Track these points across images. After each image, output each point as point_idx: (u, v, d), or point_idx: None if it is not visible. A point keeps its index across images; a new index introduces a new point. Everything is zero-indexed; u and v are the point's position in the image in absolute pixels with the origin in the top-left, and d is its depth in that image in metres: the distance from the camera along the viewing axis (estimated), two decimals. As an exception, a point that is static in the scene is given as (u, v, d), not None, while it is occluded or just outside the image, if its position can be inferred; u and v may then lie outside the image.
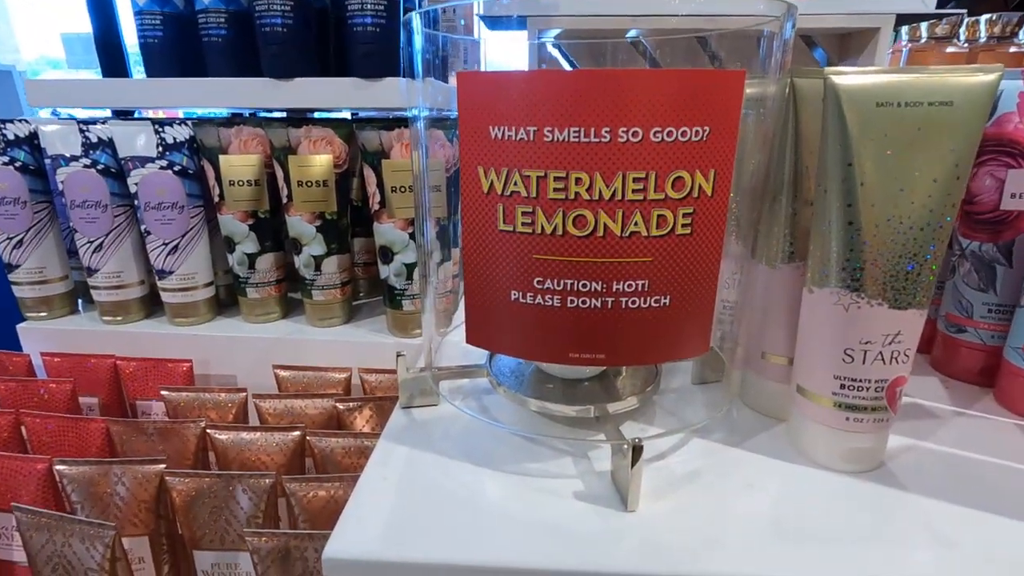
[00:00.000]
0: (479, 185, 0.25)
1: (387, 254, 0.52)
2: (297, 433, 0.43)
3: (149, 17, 0.55)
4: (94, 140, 0.53)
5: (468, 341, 0.29)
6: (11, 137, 0.54)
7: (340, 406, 0.47)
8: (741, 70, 0.23)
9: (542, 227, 0.25)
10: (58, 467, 0.39)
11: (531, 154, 0.24)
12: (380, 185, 0.50)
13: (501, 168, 0.24)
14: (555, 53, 0.70)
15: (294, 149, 0.52)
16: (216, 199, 0.54)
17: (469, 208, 0.26)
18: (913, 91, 0.25)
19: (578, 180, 0.23)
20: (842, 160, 0.26)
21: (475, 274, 0.27)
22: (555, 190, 0.24)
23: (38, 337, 0.57)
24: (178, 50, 0.56)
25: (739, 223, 0.32)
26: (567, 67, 0.69)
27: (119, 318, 0.57)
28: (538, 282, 0.26)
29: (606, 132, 0.23)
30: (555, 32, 0.66)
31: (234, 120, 0.54)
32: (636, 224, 0.24)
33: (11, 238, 0.55)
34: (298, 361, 0.55)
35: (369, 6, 0.47)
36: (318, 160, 0.52)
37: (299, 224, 0.54)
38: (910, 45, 0.74)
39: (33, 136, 0.54)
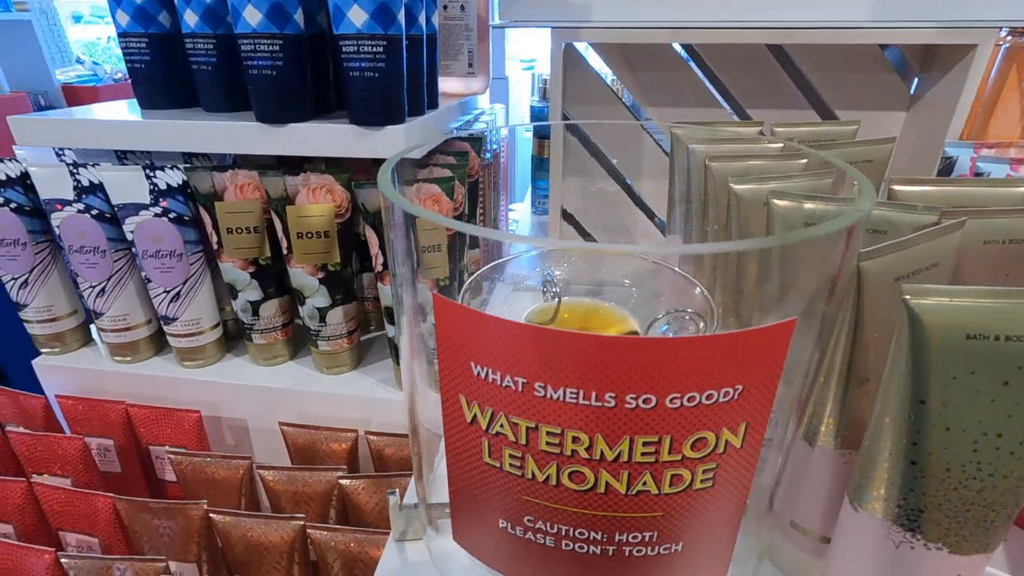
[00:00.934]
0: (461, 413, 0.21)
1: (392, 315, 0.49)
2: (298, 524, 0.42)
3: (135, 40, 0.50)
4: (86, 184, 0.50)
5: (455, 539, 0.26)
6: (2, 178, 0.51)
7: (344, 483, 0.45)
8: (791, 320, 0.18)
9: (533, 474, 0.21)
10: (64, 560, 0.39)
11: (520, 403, 0.19)
12: (383, 246, 0.46)
13: (485, 406, 0.20)
14: (586, 53, 0.61)
15: (292, 199, 0.48)
16: (215, 246, 0.51)
17: (451, 434, 0.22)
18: (1016, 322, 0.19)
19: (575, 439, 0.19)
20: (912, 395, 0.21)
21: (460, 493, 0.24)
22: (548, 443, 0.20)
23: (53, 372, 0.57)
24: (167, 76, 0.51)
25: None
26: (596, 70, 0.61)
27: (128, 358, 0.56)
28: (529, 520, 0.22)
29: (610, 398, 0.18)
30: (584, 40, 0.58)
31: (228, 164, 0.50)
32: (645, 484, 0.20)
33: (16, 278, 0.54)
34: (306, 410, 0.53)
35: (366, 49, 0.41)
36: (318, 210, 0.48)
37: (301, 276, 0.50)
38: (1010, 40, 0.62)
39: (26, 176, 0.51)
